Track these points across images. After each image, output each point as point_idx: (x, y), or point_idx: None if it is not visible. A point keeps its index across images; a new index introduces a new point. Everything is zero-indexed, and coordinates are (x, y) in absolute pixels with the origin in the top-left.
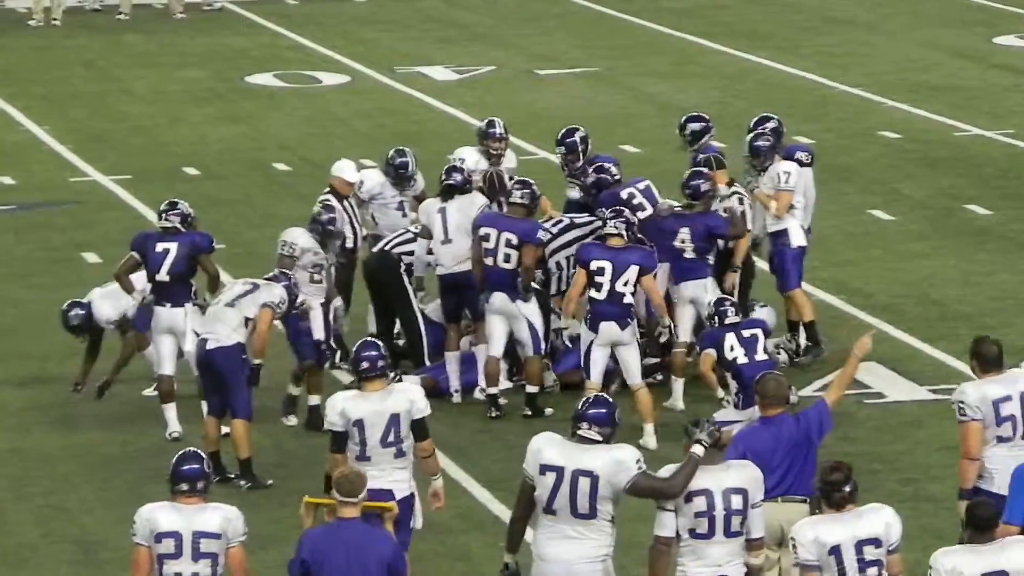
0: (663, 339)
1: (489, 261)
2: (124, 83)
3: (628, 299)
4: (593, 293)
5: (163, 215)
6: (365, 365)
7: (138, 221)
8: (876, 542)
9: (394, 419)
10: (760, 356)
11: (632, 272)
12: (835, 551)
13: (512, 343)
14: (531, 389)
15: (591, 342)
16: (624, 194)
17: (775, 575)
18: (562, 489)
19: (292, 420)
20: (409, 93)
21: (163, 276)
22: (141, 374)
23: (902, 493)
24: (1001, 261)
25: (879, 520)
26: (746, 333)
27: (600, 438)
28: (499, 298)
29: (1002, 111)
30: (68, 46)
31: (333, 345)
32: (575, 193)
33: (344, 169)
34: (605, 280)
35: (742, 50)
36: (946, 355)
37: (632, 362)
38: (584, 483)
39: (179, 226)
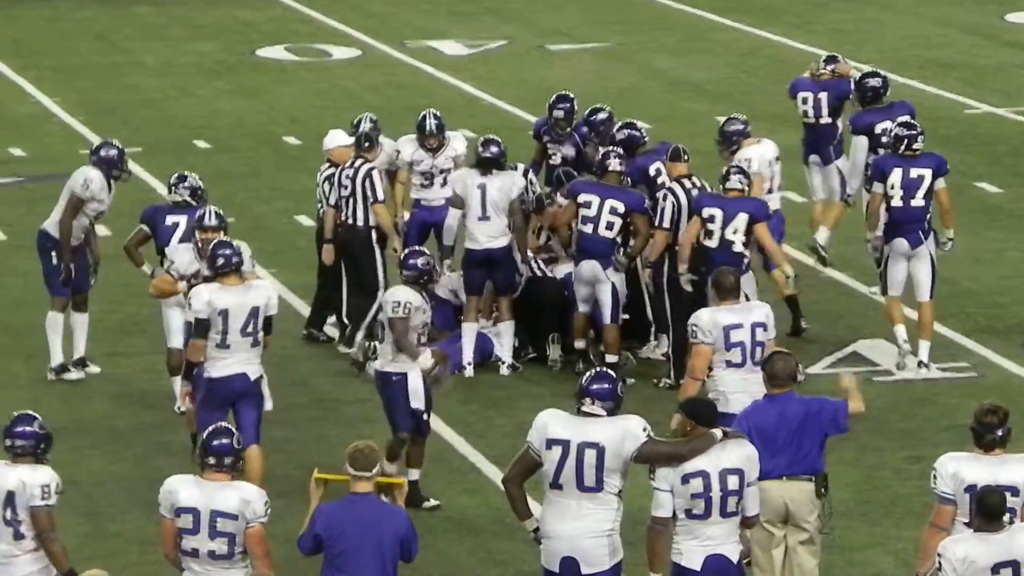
0: (788, 291)
1: (588, 228)
2: (134, 55)
3: (739, 247)
4: (706, 241)
5: (173, 188)
6: (221, 261)
7: (148, 194)
8: (1014, 490)
9: (254, 311)
10: (918, 202)
11: (741, 220)
12: (971, 490)
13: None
14: (611, 359)
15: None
16: (652, 170)
17: (780, 552)
18: (568, 462)
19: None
20: (420, 67)
21: (173, 249)
22: (151, 348)
23: (910, 471)
24: (1011, 239)
25: (1022, 470)
26: (914, 173)
27: (604, 412)
28: (590, 266)
29: (1013, 89)
30: (78, 18)
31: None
32: (558, 158)
33: (337, 137)
34: (716, 228)
35: (753, 26)
36: (955, 333)
37: None
38: (590, 455)
39: (189, 199)
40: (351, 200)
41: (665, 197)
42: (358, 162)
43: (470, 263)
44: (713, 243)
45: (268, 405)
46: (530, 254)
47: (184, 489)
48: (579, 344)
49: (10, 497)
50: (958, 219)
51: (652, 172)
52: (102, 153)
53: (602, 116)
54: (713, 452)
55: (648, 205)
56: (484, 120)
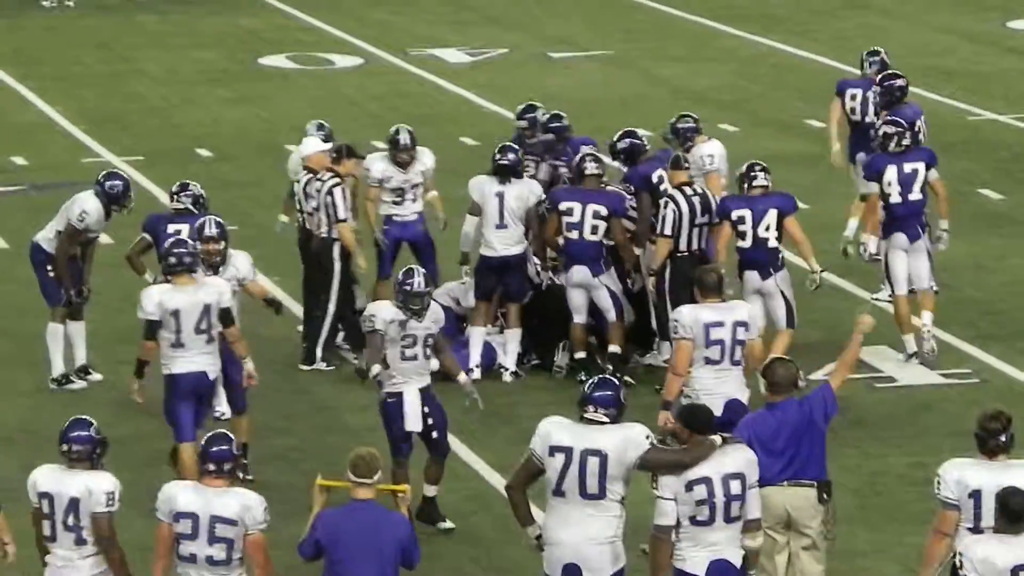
0: (814, 288)
1: (574, 235)
2: (137, 64)
3: (772, 243)
4: (739, 242)
5: (175, 196)
6: (172, 260)
7: (150, 202)
8: None
9: (206, 309)
10: (915, 196)
11: (772, 216)
12: (975, 495)
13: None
14: (613, 348)
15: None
16: (654, 177)
17: (784, 558)
18: (571, 470)
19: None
20: (422, 75)
21: None
22: (152, 356)
23: (912, 476)
24: (1014, 246)
25: None
26: (908, 168)
27: (607, 420)
28: (580, 271)
29: (1016, 95)
30: (81, 27)
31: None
32: (542, 174)
33: (311, 143)
34: (747, 228)
35: (756, 34)
36: (958, 339)
37: (779, 312)
38: (593, 463)
39: (191, 208)
40: (317, 212)
41: (666, 204)
42: (326, 175)
43: (484, 269)
44: (747, 243)
45: (221, 403)
46: (535, 260)
47: (183, 494)
48: (580, 354)
49: (73, 503)
50: (961, 225)
51: (655, 179)
52: (107, 186)
53: (564, 123)
54: (715, 458)
55: (651, 212)
56: (486, 128)
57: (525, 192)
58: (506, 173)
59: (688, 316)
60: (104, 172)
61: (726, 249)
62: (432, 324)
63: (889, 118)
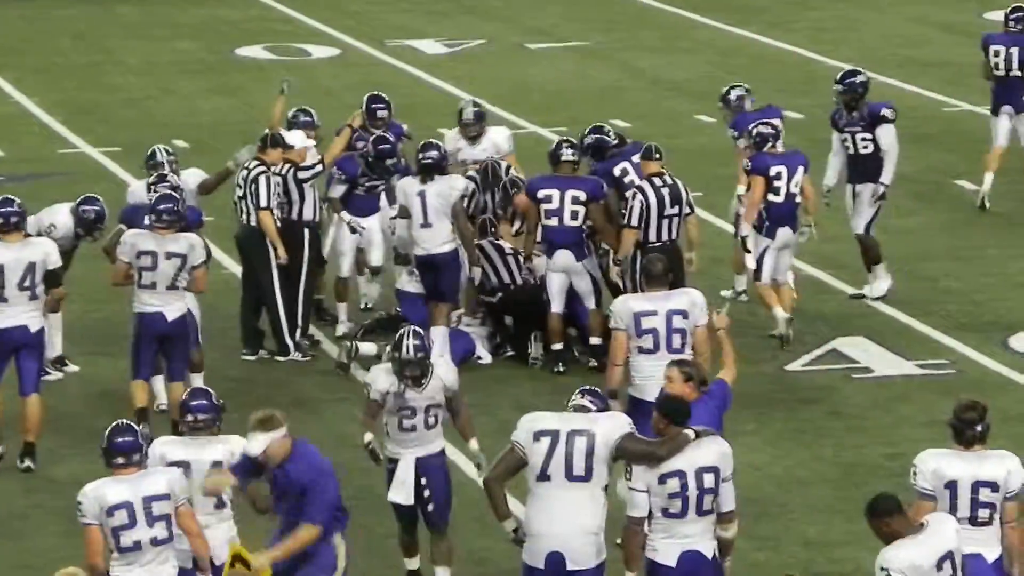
0: (806, 240)
1: (554, 221)
2: (115, 55)
3: (799, 199)
4: (772, 197)
5: (152, 187)
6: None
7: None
8: (994, 486)
9: (31, 266)
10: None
11: (800, 173)
12: (951, 486)
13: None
14: (595, 340)
15: (765, 247)
16: (617, 170)
17: None
18: (558, 449)
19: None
20: (399, 66)
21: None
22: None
23: (888, 467)
24: (991, 236)
25: (1002, 465)
26: (776, 121)
27: (593, 408)
28: (563, 255)
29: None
30: (59, 17)
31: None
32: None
33: (295, 137)
34: (783, 183)
35: (733, 25)
36: (934, 330)
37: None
38: (580, 442)
39: None
40: (242, 201)
41: (634, 196)
42: (253, 163)
43: (420, 268)
44: (780, 198)
45: (50, 353)
46: (507, 247)
47: (109, 488)
48: (557, 346)
49: (215, 465)
50: (939, 216)
51: (618, 172)
52: (80, 209)
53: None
54: (689, 451)
55: (619, 207)
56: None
57: (446, 188)
58: (428, 171)
59: (620, 306)
60: (84, 196)
61: (758, 206)
62: (436, 393)
63: (767, 123)
